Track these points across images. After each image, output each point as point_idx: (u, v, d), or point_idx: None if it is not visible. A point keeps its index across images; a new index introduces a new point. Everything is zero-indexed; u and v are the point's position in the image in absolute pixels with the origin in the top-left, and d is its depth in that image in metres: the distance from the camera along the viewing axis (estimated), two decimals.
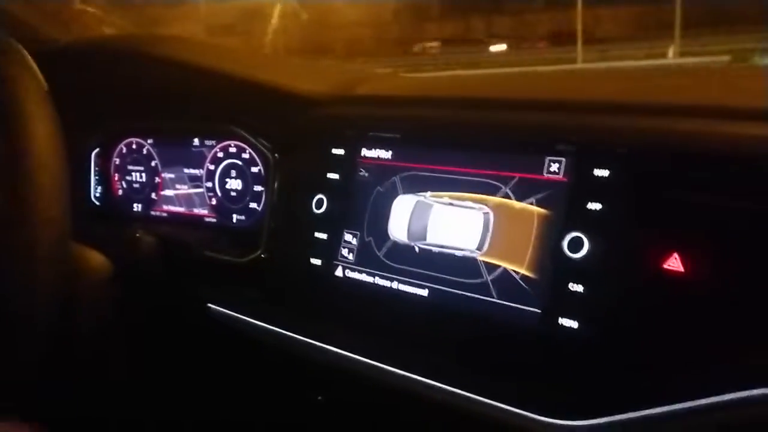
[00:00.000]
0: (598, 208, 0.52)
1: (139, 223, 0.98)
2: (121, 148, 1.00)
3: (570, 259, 0.52)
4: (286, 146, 0.76)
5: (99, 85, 0.89)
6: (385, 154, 0.67)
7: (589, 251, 0.51)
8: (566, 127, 0.56)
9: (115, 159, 1.01)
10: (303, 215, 0.70)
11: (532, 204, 0.56)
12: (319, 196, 0.69)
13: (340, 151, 0.70)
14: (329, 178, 0.70)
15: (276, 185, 0.77)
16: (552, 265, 0.53)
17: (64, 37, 0.90)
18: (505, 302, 0.56)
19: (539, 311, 0.54)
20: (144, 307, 0.75)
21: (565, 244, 0.52)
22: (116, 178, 1.01)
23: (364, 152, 0.68)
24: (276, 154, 0.78)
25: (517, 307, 0.55)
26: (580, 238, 0.51)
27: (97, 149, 1.02)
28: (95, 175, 1.03)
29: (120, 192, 1.01)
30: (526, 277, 0.55)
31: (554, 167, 0.55)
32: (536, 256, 0.55)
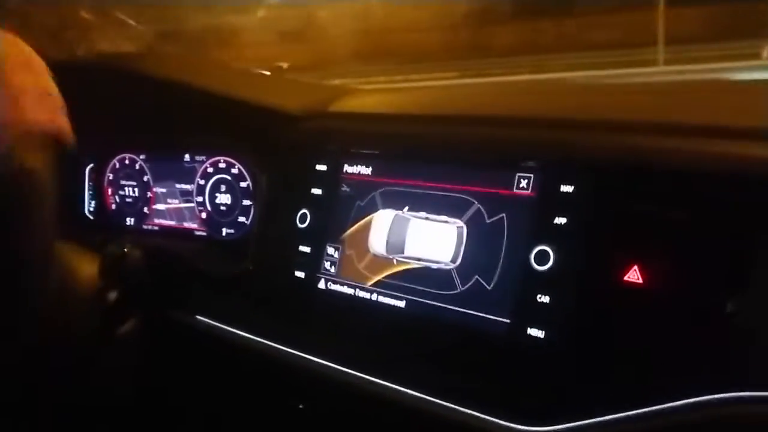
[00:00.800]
0: (563, 222, 0.54)
1: (131, 236, 1.00)
2: (115, 164, 1.03)
3: (536, 271, 0.54)
4: (273, 162, 0.79)
5: (93, 103, 0.91)
6: (366, 170, 0.69)
7: (554, 263, 0.53)
8: (534, 143, 0.58)
9: (108, 174, 1.04)
10: (288, 229, 0.73)
11: (502, 218, 0.58)
12: (303, 210, 0.72)
13: (323, 167, 0.73)
14: (313, 193, 0.72)
15: (263, 200, 0.79)
16: (520, 276, 0.56)
17: (57, 55, 0.92)
18: (476, 312, 0.58)
19: (508, 321, 0.56)
20: (133, 319, 0.77)
21: (532, 256, 0.55)
22: (109, 193, 1.04)
23: (346, 168, 0.71)
24: (263, 170, 0.80)
25: (488, 318, 0.57)
26: (545, 251, 0.54)
27: (92, 165, 1.05)
28: (89, 190, 1.06)
29: (113, 206, 1.04)
30: (497, 288, 0.57)
31: (523, 183, 0.58)
32: (506, 269, 0.57)
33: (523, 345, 0.55)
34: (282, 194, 0.76)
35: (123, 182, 1.02)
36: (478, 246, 0.59)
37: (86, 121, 0.97)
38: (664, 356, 0.48)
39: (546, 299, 0.54)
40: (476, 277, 0.59)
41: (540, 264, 0.54)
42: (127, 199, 1.02)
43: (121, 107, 0.92)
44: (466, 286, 0.59)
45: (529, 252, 0.55)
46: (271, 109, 0.77)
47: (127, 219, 1.02)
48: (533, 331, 0.54)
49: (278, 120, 0.78)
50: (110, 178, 1.04)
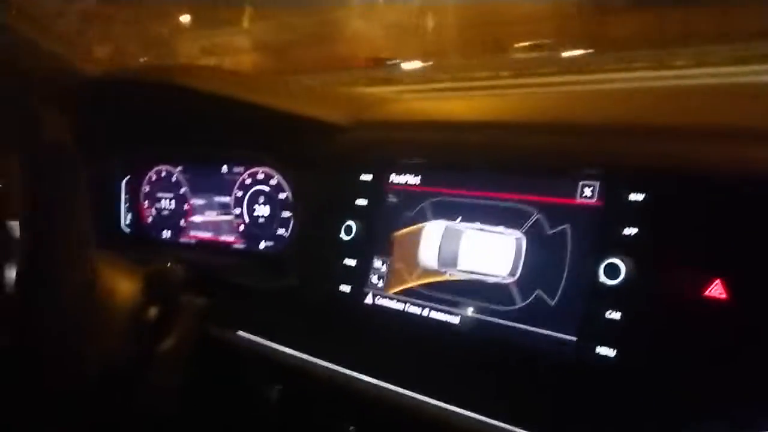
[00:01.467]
0: (634, 233, 0.51)
1: (168, 250, 0.99)
2: (151, 176, 1.02)
3: (606, 286, 0.51)
4: (315, 172, 0.76)
5: (128, 116, 0.90)
6: (414, 180, 0.67)
7: (626, 278, 0.50)
8: (599, 150, 0.55)
9: (144, 187, 1.03)
10: (331, 242, 0.70)
11: (565, 229, 0.55)
12: (348, 222, 0.69)
13: (368, 177, 0.70)
14: (357, 205, 0.70)
15: (304, 211, 0.77)
16: (588, 291, 0.52)
17: (92, 69, 0.92)
18: (539, 330, 0.55)
19: (575, 339, 0.52)
20: (174, 335, 0.75)
21: (601, 270, 0.51)
22: (146, 206, 1.03)
23: (393, 178, 0.68)
24: (304, 181, 0.78)
25: (553, 335, 0.54)
26: (616, 264, 0.50)
27: (128, 177, 1.04)
28: (125, 203, 1.05)
29: (150, 219, 1.03)
30: (561, 304, 0.54)
31: (587, 192, 0.54)
32: (571, 283, 0.54)
33: (592, 365, 0.51)
34: (325, 206, 0.74)
35: (160, 195, 1.02)
36: (539, 258, 0.56)
37: (123, 134, 0.98)
38: (751, 379, 0.44)
39: (617, 316, 0.50)
40: (538, 291, 0.56)
41: (610, 278, 0.50)
42: (164, 212, 1.01)
43: (159, 120, 0.91)
44: (527, 302, 0.56)
45: (598, 265, 0.51)
46: (314, 120, 0.76)
47: (164, 232, 1.01)
48: (603, 350, 0.50)
49: (321, 130, 0.75)
50: (147, 190, 1.03)
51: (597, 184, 0.54)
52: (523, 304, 0.56)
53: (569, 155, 0.57)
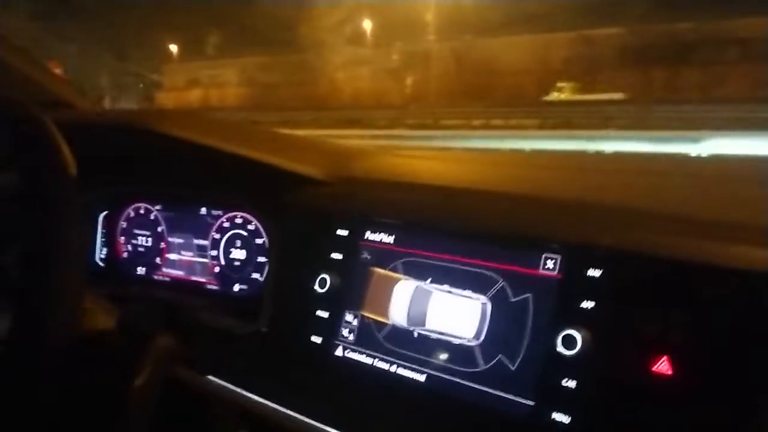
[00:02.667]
0: (589, 307, 0.54)
1: (141, 286, 0.99)
2: (129, 212, 1.03)
3: (563, 355, 0.54)
4: (292, 223, 0.79)
5: (111, 155, 0.92)
6: (388, 239, 0.69)
7: (581, 349, 0.53)
8: (561, 225, 0.59)
9: (122, 222, 1.04)
10: (305, 292, 0.72)
11: (528, 298, 0.58)
12: (323, 275, 0.71)
13: (344, 232, 0.73)
14: (332, 258, 0.72)
15: (279, 259, 0.79)
16: (546, 359, 0.55)
17: (82, 106, 0.94)
18: (499, 392, 0.58)
19: (532, 403, 0.55)
20: (144, 375, 0.75)
21: (558, 340, 0.54)
22: (122, 241, 1.04)
23: (368, 235, 0.71)
24: (281, 230, 0.80)
25: (511, 398, 0.57)
26: (573, 335, 0.53)
27: (106, 212, 1.05)
28: (101, 237, 1.05)
29: (125, 254, 1.04)
30: (521, 369, 0.57)
31: (550, 264, 0.58)
32: (531, 350, 0.57)
33: (546, 429, 0.54)
34: (300, 256, 0.76)
35: (136, 231, 1.02)
36: (503, 324, 0.59)
37: (103, 171, 0.99)
38: None
39: (572, 384, 0.53)
40: (500, 356, 0.58)
41: (567, 348, 0.54)
42: (140, 249, 1.02)
43: (138, 161, 0.92)
44: (489, 365, 0.59)
45: (556, 335, 0.54)
46: (293, 173, 0.78)
47: (138, 269, 1.02)
48: (558, 416, 0.54)
49: (299, 183, 0.78)
50: (124, 226, 1.04)
51: (559, 257, 0.57)
52: (486, 366, 0.59)
53: (534, 227, 0.60)
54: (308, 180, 0.78)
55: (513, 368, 0.57)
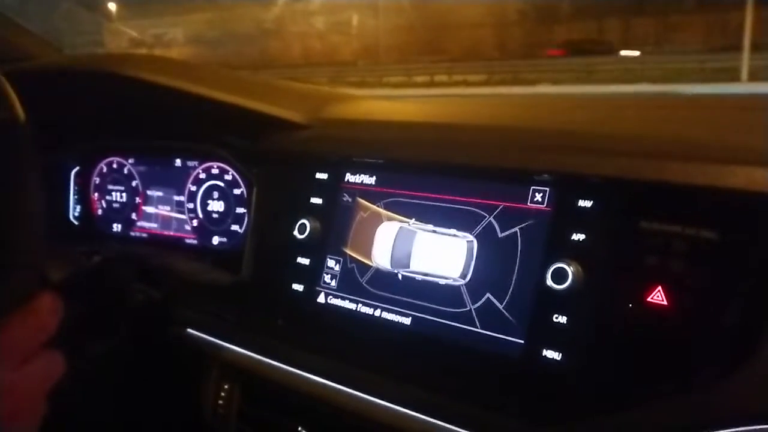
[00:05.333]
0: (581, 239, 0.52)
1: (118, 243, 0.96)
2: (102, 168, 0.99)
3: (553, 290, 0.51)
4: (270, 169, 0.75)
5: (77, 105, 0.87)
6: (369, 180, 0.66)
7: (572, 283, 0.51)
8: (551, 157, 0.55)
9: (95, 178, 1.00)
10: (285, 240, 0.70)
11: (516, 233, 0.56)
12: (302, 220, 0.68)
13: (324, 176, 0.70)
14: (312, 203, 0.69)
15: (258, 208, 0.76)
16: (535, 295, 0.53)
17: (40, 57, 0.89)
18: (488, 332, 0.55)
19: (522, 342, 0.53)
20: (121, 331, 0.73)
21: (548, 275, 0.52)
22: (96, 198, 1.00)
23: (348, 177, 0.68)
24: (259, 177, 0.77)
25: (501, 338, 0.55)
26: (563, 269, 0.51)
27: (77, 168, 1.01)
28: (74, 195, 1.02)
29: (99, 212, 1.00)
30: (510, 307, 0.55)
31: (538, 197, 0.55)
32: (520, 287, 0.54)
33: (538, 367, 0.52)
34: (279, 203, 0.73)
35: (110, 187, 0.99)
36: (490, 262, 0.57)
37: (72, 124, 0.94)
38: (688, 383, 0.46)
39: (563, 320, 0.51)
40: (488, 294, 0.56)
41: (557, 282, 0.51)
42: (114, 205, 0.98)
43: (109, 110, 0.88)
44: (477, 304, 0.56)
45: (546, 270, 0.52)
46: (270, 116, 0.74)
47: (114, 226, 0.98)
48: (549, 354, 0.51)
49: (277, 127, 0.74)
50: (97, 182, 1.00)
51: (547, 189, 0.55)
52: (474, 306, 0.57)
53: (521, 159, 0.57)
54: (286, 124, 0.74)
55: (501, 306, 0.55)
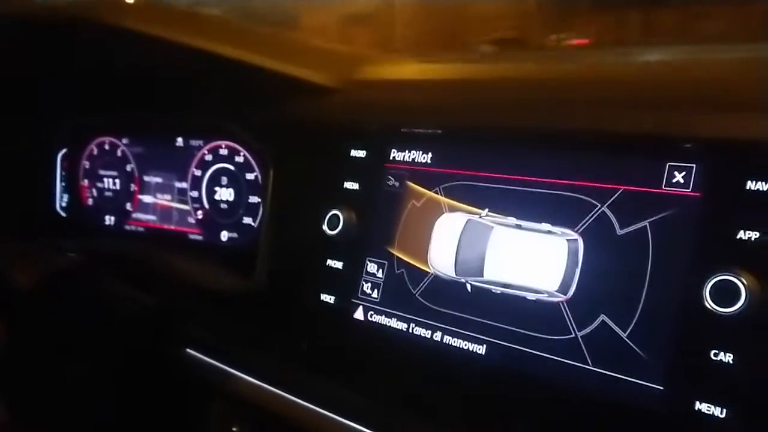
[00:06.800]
0: (754, 239, 0.36)
1: (109, 239, 0.87)
2: (92, 149, 0.91)
3: (712, 313, 0.36)
4: (291, 147, 0.63)
5: (61, 70, 0.74)
6: (423, 156, 0.53)
7: (746, 304, 0.35)
8: (699, 120, 0.40)
9: (84, 162, 0.92)
10: (311, 236, 0.57)
11: (644, 229, 0.40)
12: (333, 211, 0.56)
13: (361, 153, 0.57)
14: (347, 189, 0.57)
15: (277, 196, 0.63)
16: (683, 321, 0.37)
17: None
18: (604, 371, 0.40)
19: (661, 388, 0.38)
20: (104, 350, 0.60)
21: (706, 292, 0.36)
22: (86, 185, 0.92)
23: (394, 154, 0.55)
24: (277, 157, 0.64)
25: (626, 380, 0.39)
26: (731, 283, 0.35)
27: (64, 150, 0.91)
28: (62, 181, 0.94)
29: (90, 201, 0.92)
30: (639, 335, 0.39)
31: (679, 177, 0.40)
32: (654, 306, 0.39)
33: (687, 425, 0.37)
34: (303, 189, 0.61)
35: (102, 172, 0.89)
36: (605, 270, 0.42)
37: (56, 96, 0.81)
38: None
39: (728, 358, 0.36)
40: (602, 317, 0.41)
41: (721, 304, 0.36)
42: (107, 193, 0.89)
43: (97, 76, 0.75)
44: (586, 330, 0.41)
45: (702, 284, 0.37)
46: (293, 78, 0.61)
47: (106, 217, 0.89)
48: (705, 407, 0.36)
49: (299, 92, 0.61)
50: (87, 167, 0.91)
51: (694, 166, 0.39)
52: (580, 333, 0.42)
53: (649, 120, 0.42)
54: (311, 87, 0.62)
55: (624, 335, 0.40)
